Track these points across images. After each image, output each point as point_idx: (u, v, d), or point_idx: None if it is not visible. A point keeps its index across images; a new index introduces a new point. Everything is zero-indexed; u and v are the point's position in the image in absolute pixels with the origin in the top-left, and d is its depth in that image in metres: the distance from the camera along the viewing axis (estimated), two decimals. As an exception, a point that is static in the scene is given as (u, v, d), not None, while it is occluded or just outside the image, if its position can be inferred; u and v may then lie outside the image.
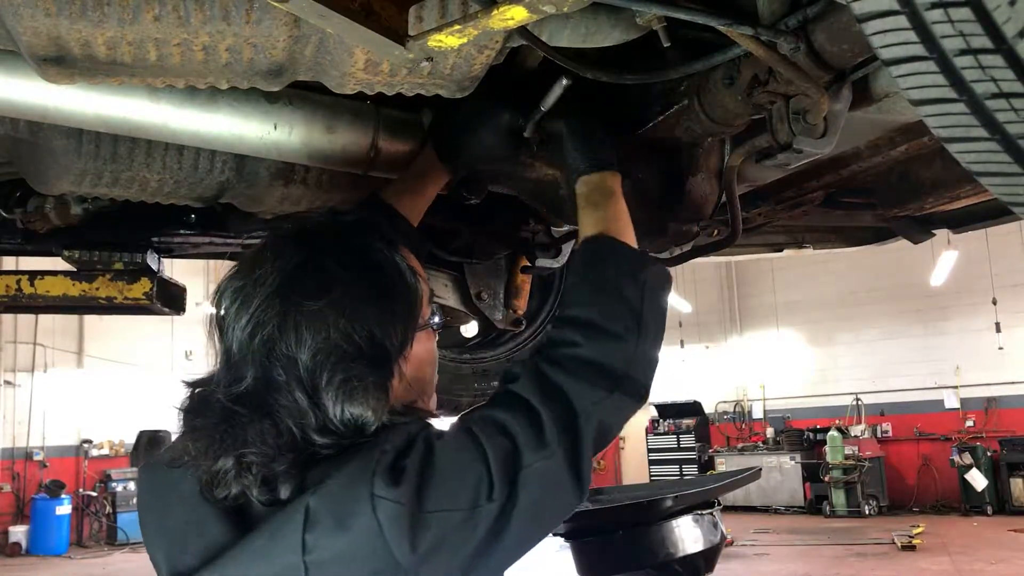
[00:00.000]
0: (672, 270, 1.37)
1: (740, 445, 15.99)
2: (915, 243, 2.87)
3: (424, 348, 1.19)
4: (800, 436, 14.99)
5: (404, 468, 0.97)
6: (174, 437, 1.12)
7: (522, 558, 1.07)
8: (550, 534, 1.09)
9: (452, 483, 0.99)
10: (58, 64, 1.17)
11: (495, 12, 0.98)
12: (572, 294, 1.27)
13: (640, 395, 1.17)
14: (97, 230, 2.19)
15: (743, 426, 16.68)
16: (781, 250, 3.11)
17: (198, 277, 14.54)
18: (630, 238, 1.35)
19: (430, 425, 1.09)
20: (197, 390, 1.11)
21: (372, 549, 0.95)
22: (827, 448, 14.03)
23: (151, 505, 1.13)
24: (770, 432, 15.64)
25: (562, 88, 1.47)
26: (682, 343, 16.69)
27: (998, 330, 13.76)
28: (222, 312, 1.10)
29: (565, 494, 1.06)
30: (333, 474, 0.99)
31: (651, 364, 1.20)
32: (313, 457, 1.01)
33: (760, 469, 3.68)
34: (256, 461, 0.99)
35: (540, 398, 1.08)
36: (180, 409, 1.10)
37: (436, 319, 1.23)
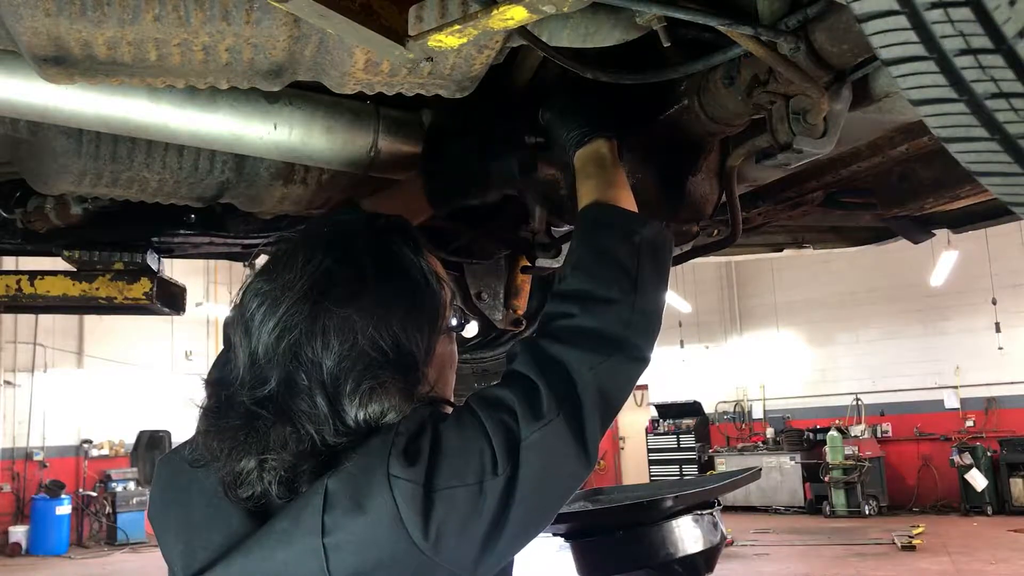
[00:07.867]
0: (672, 270, 1.37)
1: (740, 445, 15.96)
2: (915, 243, 2.87)
3: (446, 351, 1.20)
4: (800, 436, 14.96)
5: (418, 449, 0.99)
6: (179, 437, 1.13)
7: (527, 546, 1.06)
8: (561, 508, 1.08)
9: (458, 461, 0.99)
10: (58, 64, 1.17)
11: (495, 12, 0.98)
12: (567, 267, 1.26)
13: (639, 357, 1.16)
14: (97, 230, 2.19)
15: (743, 426, 16.66)
16: (781, 250, 3.11)
17: (198, 277, 14.55)
18: (626, 202, 1.34)
19: (438, 409, 1.09)
20: (220, 390, 1.10)
21: (390, 531, 0.95)
22: (827, 448, 14.01)
23: (172, 500, 1.13)
24: (770, 432, 15.60)
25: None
26: (682, 343, 16.68)
27: (998, 330, 13.75)
28: (247, 313, 1.10)
29: (570, 463, 1.06)
30: (351, 456, 1.00)
31: (650, 325, 1.19)
32: (332, 456, 1.02)
33: (760, 469, 3.68)
34: (276, 466, 1.01)
35: (537, 371, 1.08)
36: (202, 408, 1.10)
37: (454, 321, 1.23)
